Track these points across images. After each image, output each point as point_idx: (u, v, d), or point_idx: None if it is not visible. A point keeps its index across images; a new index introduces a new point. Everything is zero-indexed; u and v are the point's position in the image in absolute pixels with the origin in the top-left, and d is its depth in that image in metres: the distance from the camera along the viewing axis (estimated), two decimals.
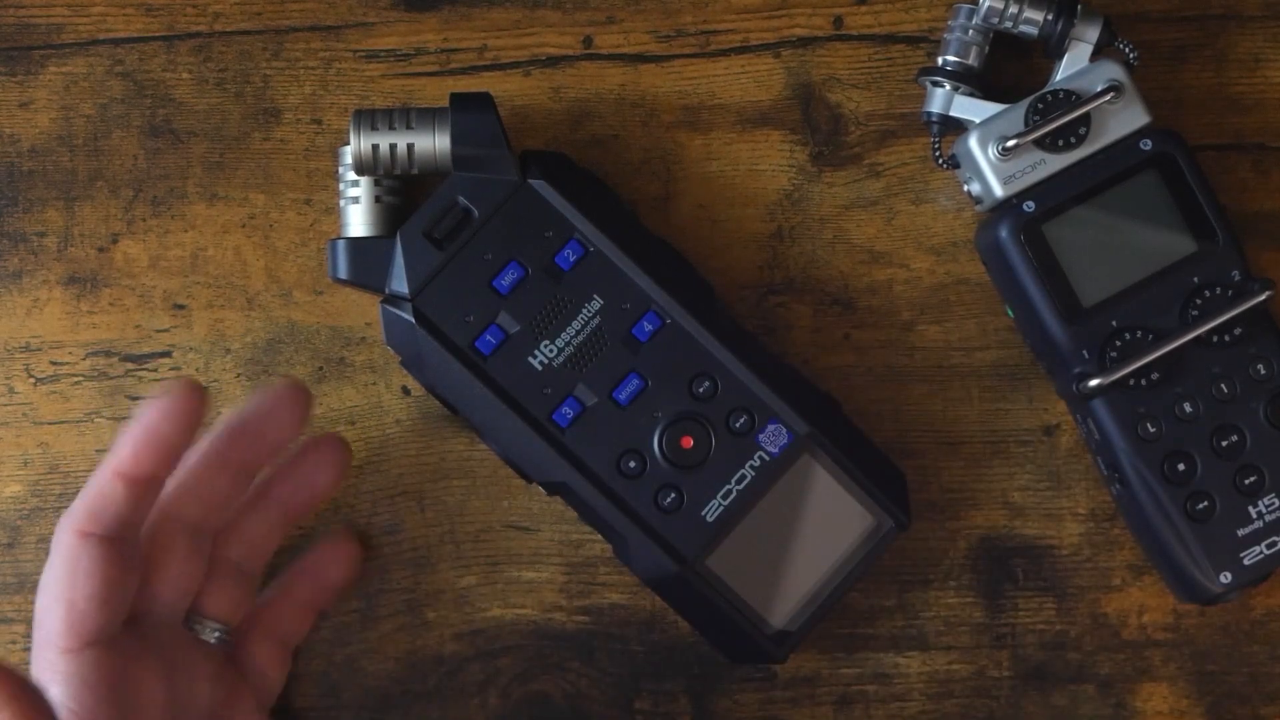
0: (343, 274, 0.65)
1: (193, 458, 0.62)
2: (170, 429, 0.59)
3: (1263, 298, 0.64)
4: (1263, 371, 0.65)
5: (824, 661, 0.69)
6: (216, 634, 0.64)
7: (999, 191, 0.65)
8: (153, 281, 0.69)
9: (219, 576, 0.64)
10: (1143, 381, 0.65)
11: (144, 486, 0.59)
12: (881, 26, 0.69)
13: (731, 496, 0.64)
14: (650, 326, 0.64)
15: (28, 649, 0.67)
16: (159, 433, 0.59)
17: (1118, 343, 0.65)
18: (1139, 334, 0.65)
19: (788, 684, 0.69)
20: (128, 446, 0.59)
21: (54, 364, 0.68)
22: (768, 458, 0.64)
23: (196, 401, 0.59)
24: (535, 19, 0.69)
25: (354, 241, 0.65)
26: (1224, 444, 0.65)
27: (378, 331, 0.67)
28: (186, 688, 0.62)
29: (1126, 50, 0.66)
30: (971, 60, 0.66)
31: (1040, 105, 0.65)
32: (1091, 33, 0.65)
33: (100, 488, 0.59)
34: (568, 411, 0.64)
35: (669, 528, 0.64)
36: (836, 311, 0.69)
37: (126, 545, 0.60)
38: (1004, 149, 0.65)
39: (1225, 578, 0.65)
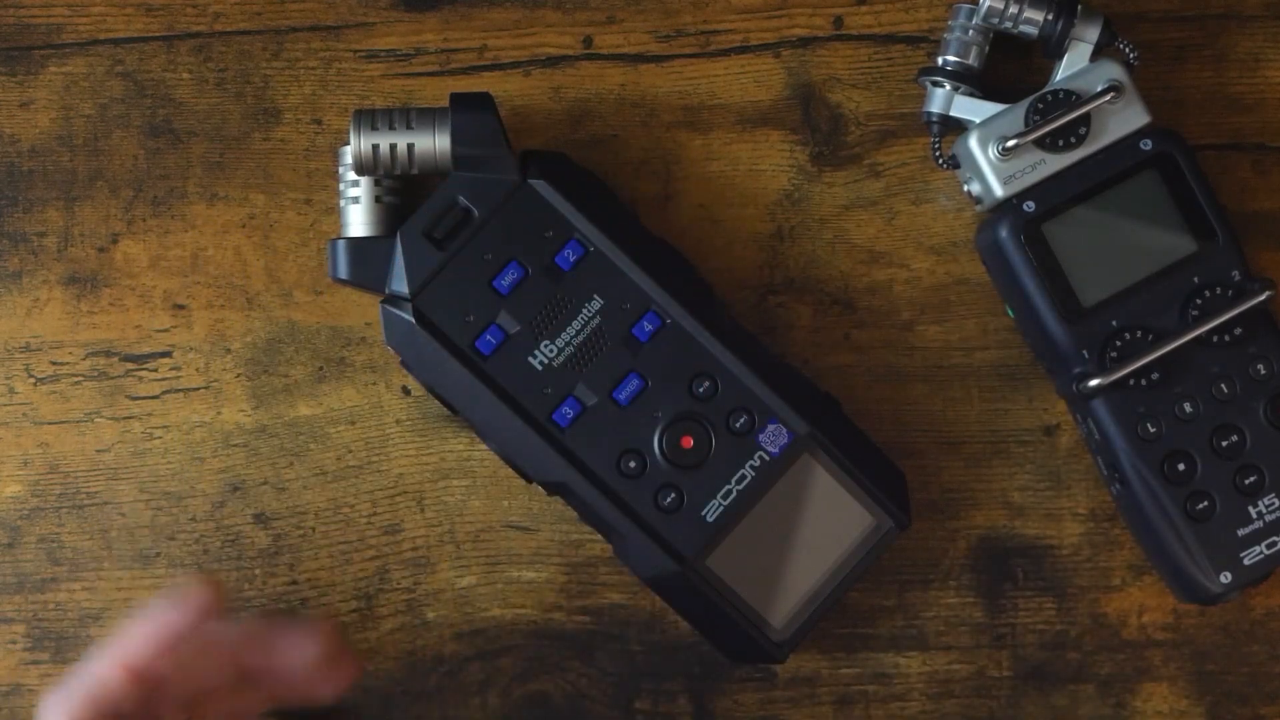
0: (343, 274, 0.65)
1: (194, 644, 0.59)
2: (185, 629, 0.57)
3: (1263, 298, 0.64)
4: (1263, 371, 0.65)
5: (824, 661, 0.69)
6: None
7: (999, 191, 0.65)
8: (153, 281, 0.69)
9: None
10: (1143, 381, 0.65)
11: (150, 685, 0.56)
12: (881, 26, 0.69)
13: (731, 496, 0.64)
14: (650, 326, 0.64)
15: (28, 649, 0.67)
16: (174, 633, 0.57)
17: (1118, 343, 0.65)
18: (1139, 334, 0.65)
19: (788, 684, 0.69)
20: (140, 641, 0.56)
21: (54, 364, 0.68)
22: (768, 457, 0.64)
23: (214, 602, 0.57)
24: (535, 19, 0.69)
25: (354, 241, 0.65)
26: (1224, 444, 0.65)
27: (378, 331, 0.67)
28: None
29: (1126, 50, 0.66)
30: (971, 60, 0.66)
31: (1040, 105, 0.65)
32: (1091, 33, 0.65)
33: (104, 678, 0.56)
34: (568, 411, 0.64)
35: (669, 528, 0.64)
36: (836, 311, 0.69)
37: None
38: (1004, 149, 0.65)
39: (1225, 578, 0.65)
